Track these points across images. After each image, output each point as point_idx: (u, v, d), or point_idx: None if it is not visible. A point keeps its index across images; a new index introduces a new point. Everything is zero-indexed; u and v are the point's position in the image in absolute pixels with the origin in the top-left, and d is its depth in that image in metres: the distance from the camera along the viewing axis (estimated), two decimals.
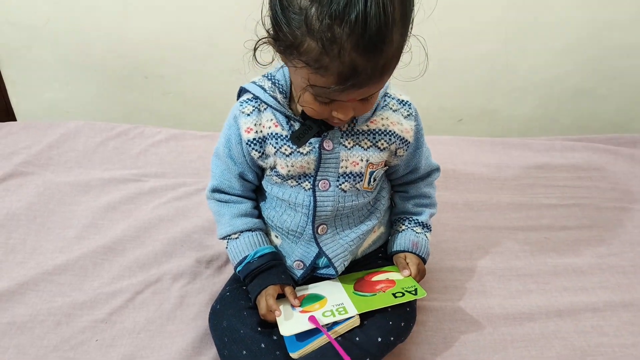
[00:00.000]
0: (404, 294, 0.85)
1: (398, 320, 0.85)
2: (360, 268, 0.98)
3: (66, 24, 1.56)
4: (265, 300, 0.86)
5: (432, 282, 1.07)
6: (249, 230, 0.93)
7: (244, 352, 0.81)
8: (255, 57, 0.73)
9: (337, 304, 0.86)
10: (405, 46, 0.68)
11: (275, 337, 0.83)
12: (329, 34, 0.60)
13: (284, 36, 0.65)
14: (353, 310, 0.84)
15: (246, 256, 0.90)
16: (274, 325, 0.85)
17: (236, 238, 0.92)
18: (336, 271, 0.92)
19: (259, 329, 0.84)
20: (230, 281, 0.99)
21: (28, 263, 1.06)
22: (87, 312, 0.96)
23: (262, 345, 0.81)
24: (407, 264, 0.93)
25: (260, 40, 0.71)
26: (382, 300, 0.85)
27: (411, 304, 0.89)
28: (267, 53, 0.73)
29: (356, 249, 0.95)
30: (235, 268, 0.93)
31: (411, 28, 0.67)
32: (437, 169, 1.01)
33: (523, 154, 1.53)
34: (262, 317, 0.87)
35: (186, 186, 1.32)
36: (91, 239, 1.13)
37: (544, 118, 1.76)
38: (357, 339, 0.82)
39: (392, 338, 0.85)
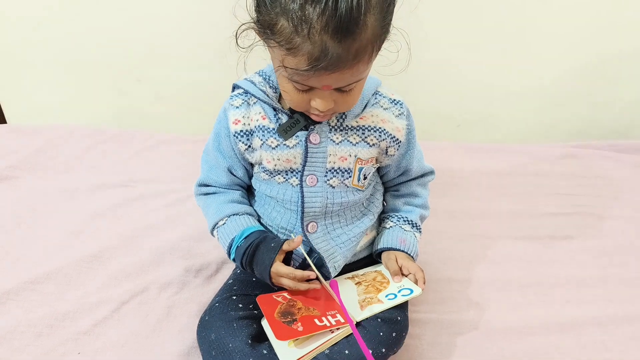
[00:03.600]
0: (395, 296, 0.85)
1: (389, 331, 0.83)
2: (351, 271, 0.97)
3: (57, 27, 1.56)
4: (284, 276, 0.83)
5: (429, 294, 1.04)
6: (235, 214, 0.91)
7: None
8: (237, 43, 0.73)
9: (332, 312, 0.84)
10: (388, 37, 0.68)
11: (265, 352, 0.80)
12: (300, 13, 0.62)
13: (262, 17, 0.66)
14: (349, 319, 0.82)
15: (233, 239, 0.87)
16: (264, 339, 0.83)
17: (223, 224, 0.90)
18: (328, 272, 0.90)
19: (249, 342, 0.81)
20: (220, 291, 0.95)
21: (10, 271, 1.02)
22: (70, 324, 0.93)
23: None
24: (401, 267, 0.91)
25: (243, 24, 0.72)
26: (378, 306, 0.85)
27: (403, 314, 0.87)
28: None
29: (348, 252, 0.92)
30: (230, 258, 0.89)
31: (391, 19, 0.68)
32: (432, 172, 1.01)
33: (523, 161, 1.52)
34: (294, 287, 0.83)
35: (176, 192, 1.29)
36: (76, 246, 1.10)
37: (543, 124, 1.74)
38: (347, 351, 0.79)
39: (383, 350, 0.82)
